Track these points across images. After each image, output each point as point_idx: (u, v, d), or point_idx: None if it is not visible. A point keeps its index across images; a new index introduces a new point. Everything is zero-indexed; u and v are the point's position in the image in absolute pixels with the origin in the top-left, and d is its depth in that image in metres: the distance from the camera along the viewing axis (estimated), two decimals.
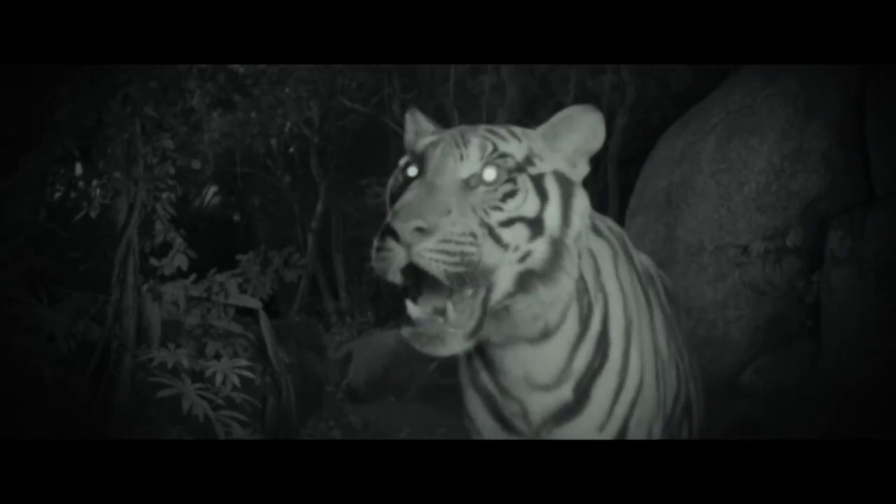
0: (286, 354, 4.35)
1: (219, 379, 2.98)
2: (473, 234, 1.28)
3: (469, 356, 1.63)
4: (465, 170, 1.36)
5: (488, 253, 1.30)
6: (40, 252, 3.66)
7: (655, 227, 5.35)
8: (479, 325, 1.35)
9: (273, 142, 8.78)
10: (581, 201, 1.41)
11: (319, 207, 8.58)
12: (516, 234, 1.34)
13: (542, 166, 1.39)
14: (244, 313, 4.24)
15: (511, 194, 1.33)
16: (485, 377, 1.62)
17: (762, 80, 5.01)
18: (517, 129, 1.45)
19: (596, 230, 1.58)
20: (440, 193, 1.30)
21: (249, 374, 3.07)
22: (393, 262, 1.28)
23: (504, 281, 1.36)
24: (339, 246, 8.76)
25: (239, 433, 2.95)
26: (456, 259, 1.26)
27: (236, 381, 3.01)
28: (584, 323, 1.50)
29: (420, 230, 1.24)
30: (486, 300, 1.34)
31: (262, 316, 4.31)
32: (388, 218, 1.29)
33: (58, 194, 4.16)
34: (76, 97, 3.37)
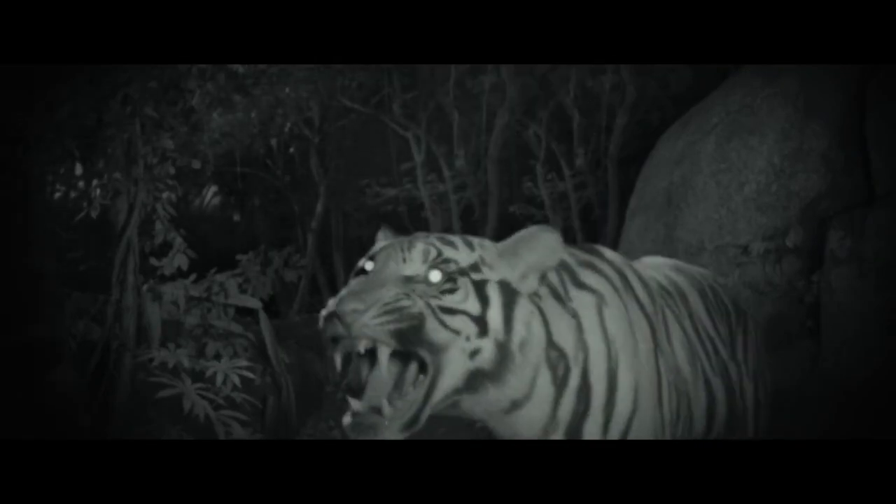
0: (286, 354, 4.35)
1: (219, 379, 2.98)
2: (407, 295, 1.41)
3: None
4: (408, 269, 1.48)
5: (433, 330, 1.41)
6: (40, 252, 3.66)
7: (655, 227, 5.35)
8: (417, 418, 1.49)
9: (273, 142, 8.77)
10: (523, 310, 1.51)
11: (319, 207, 8.58)
12: (462, 324, 1.45)
13: (489, 274, 1.51)
14: (244, 313, 4.25)
15: (450, 291, 1.45)
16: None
17: (762, 80, 5.01)
18: (474, 240, 1.59)
19: (580, 285, 1.66)
20: (378, 282, 1.44)
21: (250, 374, 3.07)
22: (339, 345, 1.42)
23: (453, 374, 1.46)
24: (339, 246, 8.76)
25: (239, 433, 2.95)
26: (395, 316, 1.38)
27: (237, 381, 3.01)
28: (561, 383, 1.62)
29: (356, 311, 1.36)
30: (429, 391, 1.46)
31: (262, 316, 4.31)
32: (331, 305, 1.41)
33: (58, 194, 4.16)
34: (76, 97, 3.36)
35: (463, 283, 1.48)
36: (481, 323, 1.47)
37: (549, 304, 1.61)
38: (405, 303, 1.40)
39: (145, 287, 3.75)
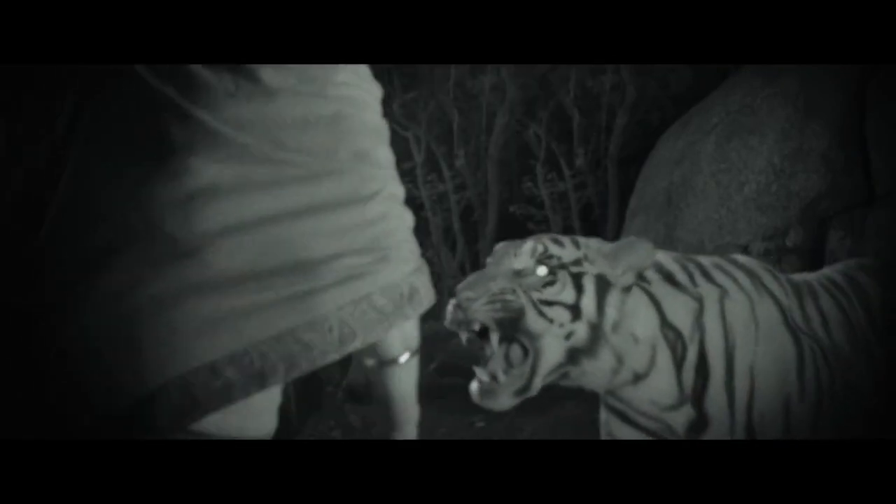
0: None
1: None
2: (513, 291, 1.73)
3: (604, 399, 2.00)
4: (517, 264, 1.79)
5: (532, 320, 1.73)
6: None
7: (655, 227, 5.35)
8: (526, 388, 1.79)
9: None
10: (615, 297, 1.80)
11: None
12: (557, 314, 1.75)
13: (588, 268, 1.80)
14: None
15: (551, 283, 1.76)
16: (622, 407, 1.97)
17: (762, 80, 5.01)
18: (581, 240, 1.89)
19: (708, 279, 1.93)
20: (490, 276, 1.78)
21: None
22: (459, 323, 1.74)
23: (552, 352, 1.77)
24: None
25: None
26: (499, 306, 1.70)
27: None
28: (680, 359, 1.87)
29: (469, 299, 1.70)
30: (534, 366, 1.76)
31: None
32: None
33: None
34: (76, 97, 3.36)
35: (562, 275, 1.77)
36: (575, 310, 1.76)
37: (663, 290, 1.88)
38: (510, 297, 1.72)
39: None
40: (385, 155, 1.30)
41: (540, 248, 1.82)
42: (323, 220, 1.05)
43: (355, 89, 1.32)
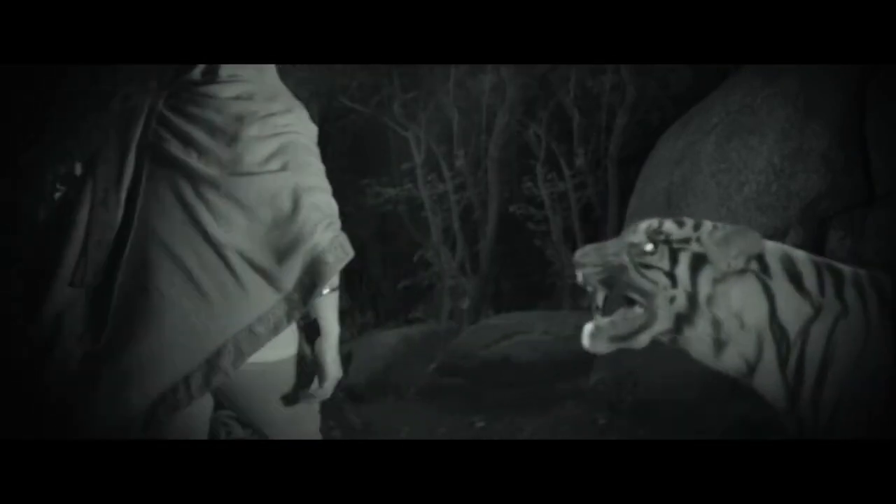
0: None
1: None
2: (618, 255, 1.96)
3: None
4: (633, 238, 2.00)
5: (634, 278, 1.93)
6: (40, 252, 3.66)
7: None
8: (624, 338, 1.94)
9: None
10: (707, 274, 1.93)
11: None
12: (656, 276, 1.93)
13: (692, 247, 1.96)
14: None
15: (652, 253, 1.95)
16: None
17: (762, 80, 5.01)
18: (700, 222, 2.01)
19: (838, 293, 1.95)
20: (605, 246, 2.03)
21: None
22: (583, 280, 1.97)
23: (662, 314, 1.93)
24: None
25: (239, 433, 2.94)
26: (601, 268, 1.95)
27: None
28: (783, 359, 1.94)
29: (580, 264, 1.96)
30: (645, 323, 1.93)
31: None
32: None
33: (58, 194, 4.16)
34: (76, 97, 3.37)
35: (662, 248, 1.95)
36: (671, 277, 1.92)
37: (783, 287, 1.94)
38: (613, 259, 1.95)
39: None
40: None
41: (654, 225, 2.02)
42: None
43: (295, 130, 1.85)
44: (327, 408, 2.69)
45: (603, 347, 1.96)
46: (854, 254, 4.18)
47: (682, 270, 1.96)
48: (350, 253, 1.69)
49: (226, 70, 1.90)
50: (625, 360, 4.53)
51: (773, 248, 1.99)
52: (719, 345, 1.94)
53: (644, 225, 2.04)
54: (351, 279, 8.77)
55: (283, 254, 1.64)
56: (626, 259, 1.97)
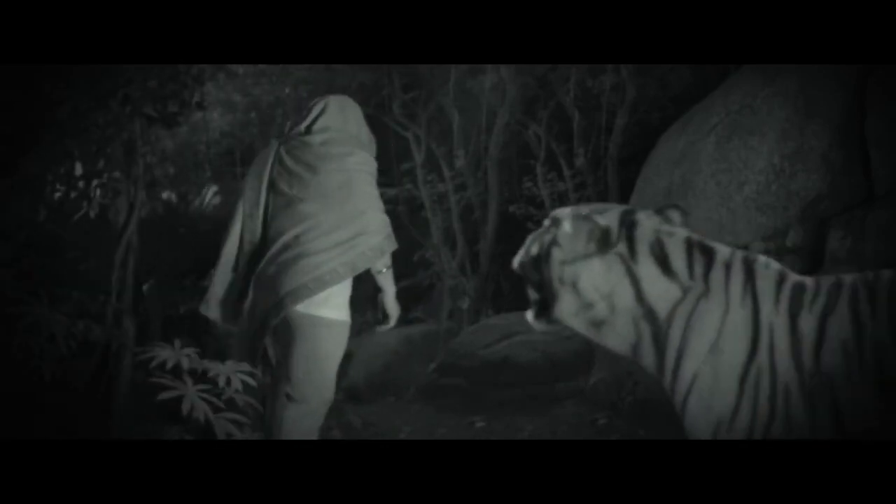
0: None
1: (222, 381, 2.98)
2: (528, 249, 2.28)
3: None
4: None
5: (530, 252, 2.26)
6: (40, 252, 3.66)
7: None
8: (539, 302, 2.18)
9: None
10: (557, 256, 2.15)
11: None
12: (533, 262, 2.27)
13: (548, 234, 2.24)
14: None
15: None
16: None
17: (762, 80, 5.01)
18: (561, 212, 2.24)
19: (706, 270, 2.00)
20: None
21: (251, 381, 3.07)
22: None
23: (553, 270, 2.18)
24: None
25: (239, 434, 2.95)
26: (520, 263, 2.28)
27: (239, 385, 3.01)
28: (657, 338, 2.00)
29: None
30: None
31: None
32: None
33: (58, 194, 4.16)
34: (76, 97, 3.37)
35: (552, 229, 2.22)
36: (537, 261, 2.22)
37: (648, 271, 2.01)
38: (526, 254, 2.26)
39: (145, 287, 3.75)
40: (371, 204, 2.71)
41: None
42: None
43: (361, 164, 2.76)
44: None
45: (540, 327, 2.17)
46: (854, 254, 4.18)
47: (543, 257, 2.16)
48: (387, 250, 2.65)
49: (319, 123, 2.77)
50: (625, 360, 4.53)
51: (644, 232, 2.06)
52: (596, 325, 2.07)
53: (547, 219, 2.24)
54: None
55: (338, 245, 2.53)
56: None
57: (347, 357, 2.80)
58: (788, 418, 1.83)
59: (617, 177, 7.05)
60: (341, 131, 2.76)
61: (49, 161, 3.62)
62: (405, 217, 8.02)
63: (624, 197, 6.46)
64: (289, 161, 2.68)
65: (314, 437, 2.57)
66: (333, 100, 2.89)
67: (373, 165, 2.78)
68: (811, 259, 4.48)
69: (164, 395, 2.83)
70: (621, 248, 2.04)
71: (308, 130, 2.76)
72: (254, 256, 2.71)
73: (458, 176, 7.98)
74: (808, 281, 1.95)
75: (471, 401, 5.40)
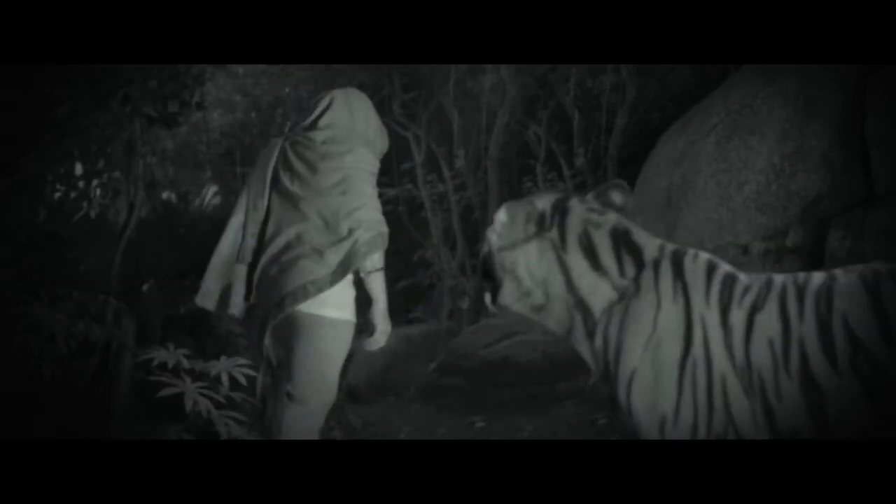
0: None
1: (224, 378, 2.98)
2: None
3: None
4: None
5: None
6: (40, 252, 3.66)
7: (655, 227, 5.33)
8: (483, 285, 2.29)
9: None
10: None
11: None
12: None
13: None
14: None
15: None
16: None
17: (762, 80, 5.01)
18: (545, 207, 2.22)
19: (637, 270, 2.04)
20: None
21: (251, 372, 3.07)
22: None
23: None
24: None
25: (239, 433, 2.95)
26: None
27: (242, 379, 3.01)
28: (590, 330, 2.07)
29: None
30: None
31: None
32: None
33: (58, 194, 4.16)
34: (76, 97, 3.37)
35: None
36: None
37: (577, 262, 2.06)
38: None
39: (145, 287, 3.75)
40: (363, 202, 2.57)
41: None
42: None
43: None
44: None
45: (493, 310, 2.29)
46: (854, 254, 4.19)
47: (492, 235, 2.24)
48: (378, 247, 2.50)
49: (324, 120, 2.68)
50: None
51: (574, 221, 2.10)
52: (537, 310, 2.16)
53: None
54: None
55: (333, 244, 2.49)
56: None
57: (348, 357, 2.73)
58: (729, 410, 1.85)
59: (617, 176, 7.05)
60: (344, 128, 2.68)
61: (49, 161, 3.62)
62: (405, 217, 8.02)
63: None
64: (292, 157, 2.64)
65: (314, 437, 2.52)
66: (339, 94, 2.76)
67: (372, 163, 2.69)
68: (811, 259, 4.48)
69: (164, 392, 2.84)
70: (553, 234, 2.10)
71: (313, 126, 2.69)
72: (257, 251, 2.70)
73: (458, 176, 7.98)
74: (741, 275, 1.97)
75: (471, 401, 5.40)
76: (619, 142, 7.04)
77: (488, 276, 2.24)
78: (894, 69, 4.32)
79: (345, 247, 2.48)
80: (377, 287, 2.52)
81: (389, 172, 8.20)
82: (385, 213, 2.63)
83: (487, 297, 2.27)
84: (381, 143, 2.82)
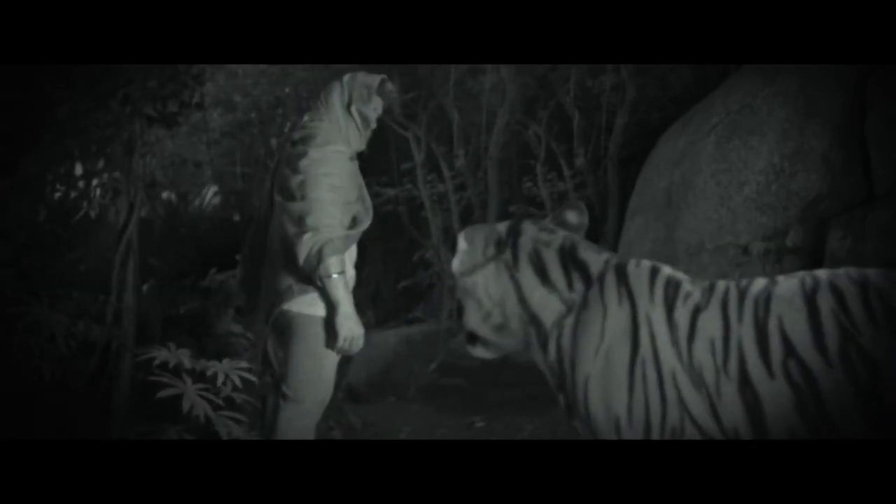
0: None
1: (220, 379, 2.98)
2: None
3: None
4: None
5: None
6: (40, 252, 3.66)
7: (655, 227, 5.35)
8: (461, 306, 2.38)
9: (273, 142, 8.79)
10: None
11: None
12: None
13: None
14: (244, 313, 4.25)
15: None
16: None
17: (762, 80, 5.01)
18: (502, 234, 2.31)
19: (584, 283, 2.10)
20: None
21: (250, 377, 3.07)
22: None
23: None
24: None
25: (239, 433, 2.95)
26: None
27: (238, 381, 3.02)
28: (543, 343, 2.15)
29: None
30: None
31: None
32: None
33: (58, 194, 4.16)
34: (76, 97, 3.37)
35: None
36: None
37: (528, 279, 2.13)
38: None
39: (145, 287, 3.75)
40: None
41: None
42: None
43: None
44: (327, 407, 2.70)
45: (462, 334, 2.39)
46: (854, 254, 4.19)
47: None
48: (332, 253, 2.45)
49: (304, 118, 2.67)
50: None
51: (525, 241, 2.17)
52: (498, 330, 2.23)
53: None
54: None
55: (293, 248, 2.49)
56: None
57: (347, 357, 2.73)
58: (683, 403, 1.88)
59: (617, 177, 7.05)
60: (313, 127, 2.60)
61: (49, 161, 3.62)
62: (405, 217, 8.02)
63: (624, 197, 6.46)
64: (283, 160, 2.65)
65: (310, 437, 2.53)
66: (328, 87, 2.69)
67: (328, 163, 2.53)
68: (811, 259, 4.48)
69: (163, 394, 2.84)
70: (507, 255, 2.18)
71: (296, 126, 2.71)
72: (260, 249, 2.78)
73: (458, 176, 7.98)
74: (683, 278, 2.03)
75: (471, 401, 5.40)
76: (619, 142, 7.03)
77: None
78: (894, 69, 4.31)
79: (302, 253, 2.46)
80: (334, 293, 2.47)
81: (389, 172, 8.20)
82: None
83: (462, 319, 2.33)
84: (358, 125, 2.67)
